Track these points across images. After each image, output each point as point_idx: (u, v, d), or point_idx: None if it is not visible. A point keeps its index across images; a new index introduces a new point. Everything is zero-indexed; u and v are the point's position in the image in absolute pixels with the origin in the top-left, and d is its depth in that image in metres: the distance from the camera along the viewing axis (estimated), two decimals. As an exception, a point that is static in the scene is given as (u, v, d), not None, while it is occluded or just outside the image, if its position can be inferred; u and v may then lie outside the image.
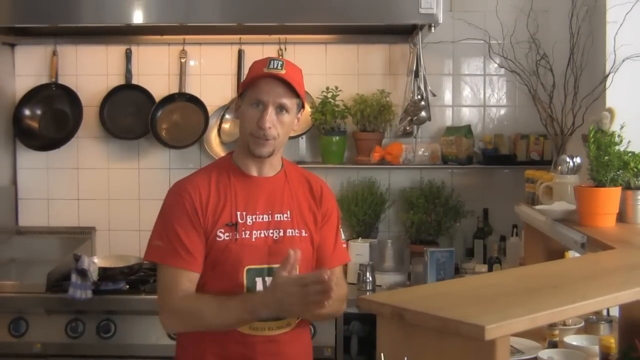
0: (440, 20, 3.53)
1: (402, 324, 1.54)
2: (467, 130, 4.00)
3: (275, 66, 2.38)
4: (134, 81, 4.18)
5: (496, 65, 4.00)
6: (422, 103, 3.80)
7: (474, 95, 4.20)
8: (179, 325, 2.46)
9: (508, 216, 3.78)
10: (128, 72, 4.18)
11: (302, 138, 4.13)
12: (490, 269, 3.77)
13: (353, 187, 4.12)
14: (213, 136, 4.14)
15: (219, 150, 4.12)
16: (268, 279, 2.38)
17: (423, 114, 3.82)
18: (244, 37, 4.12)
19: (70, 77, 4.20)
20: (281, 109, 2.39)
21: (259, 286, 2.39)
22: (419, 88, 3.83)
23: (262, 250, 2.41)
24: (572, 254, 3.06)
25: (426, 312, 1.49)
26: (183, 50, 4.16)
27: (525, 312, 1.48)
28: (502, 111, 4.21)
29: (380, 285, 3.68)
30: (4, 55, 4.16)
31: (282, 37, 4.12)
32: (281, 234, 2.45)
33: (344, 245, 2.66)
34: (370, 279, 3.63)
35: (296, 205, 2.50)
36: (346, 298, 2.58)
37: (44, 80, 4.19)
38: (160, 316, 2.43)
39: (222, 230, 2.39)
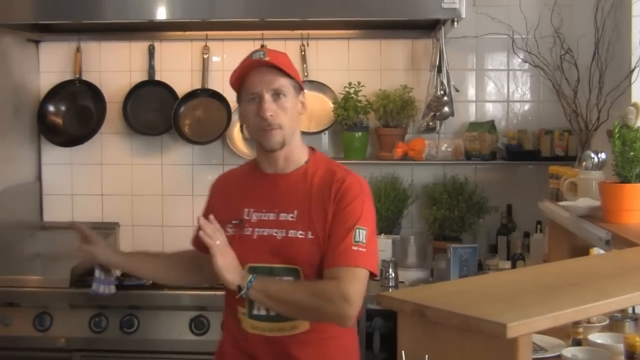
0: (463, 15, 3.49)
1: (423, 321, 1.53)
2: (491, 125, 3.98)
3: (257, 56, 2.36)
4: (157, 77, 4.20)
5: (520, 60, 3.97)
6: (445, 98, 3.79)
7: (498, 90, 4.17)
8: None
9: (532, 212, 3.76)
10: (151, 68, 4.19)
11: (324, 134, 4.13)
12: (513, 266, 3.74)
13: (376, 183, 4.10)
14: (236, 132, 4.14)
15: (241, 146, 4.13)
16: None
17: (446, 109, 3.80)
18: (266, 32, 4.11)
19: (94, 73, 4.22)
20: (277, 94, 2.35)
21: None
22: (441, 83, 3.82)
23: (263, 249, 2.38)
24: (596, 251, 3.03)
25: (447, 309, 1.48)
26: (206, 46, 4.17)
27: (548, 310, 1.46)
28: (526, 106, 4.17)
29: (402, 282, 3.66)
30: (29, 51, 4.19)
31: (305, 32, 4.11)
32: (284, 233, 2.37)
33: (359, 249, 2.32)
34: (393, 275, 3.61)
35: (307, 204, 2.38)
36: (338, 299, 2.27)
37: (68, 76, 4.22)
38: None
39: (230, 226, 2.42)
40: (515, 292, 1.63)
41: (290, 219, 2.38)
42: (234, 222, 2.42)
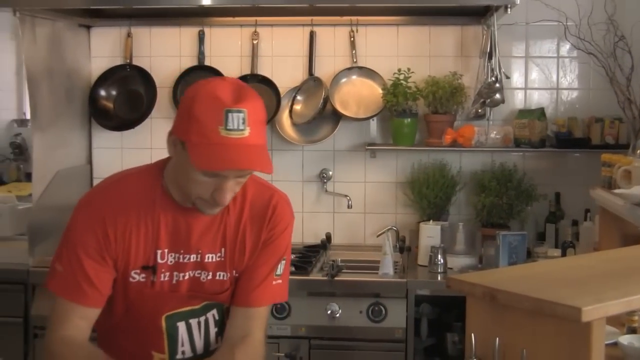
0: (518, 1, 3.45)
1: (494, 304, 1.54)
2: (541, 113, 3.95)
3: (235, 125, 1.82)
4: (207, 62, 4.22)
5: (568, 47, 3.93)
6: (497, 85, 3.76)
7: (546, 78, 4.13)
8: None
9: (580, 200, 3.74)
10: (201, 54, 4.22)
11: (373, 120, 4.12)
12: (563, 254, 3.72)
13: (424, 169, 4.11)
14: (285, 117, 4.16)
15: (290, 132, 4.14)
16: (192, 321, 2.10)
17: (497, 96, 3.78)
18: (316, 18, 4.13)
19: (144, 58, 4.26)
20: (244, 176, 1.95)
21: (181, 330, 2.09)
22: (492, 70, 3.80)
23: (183, 294, 2.06)
24: (650, 240, 3.01)
25: (520, 293, 1.49)
26: (255, 31, 4.19)
27: (621, 295, 1.47)
28: (575, 94, 4.14)
29: (451, 268, 3.65)
30: (80, 37, 4.24)
31: (354, 18, 4.11)
32: (209, 277, 2.07)
33: (277, 282, 2.12)
34: (442, 261, 3.62)
35: (236, 239, 2.08)
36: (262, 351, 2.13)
37: (119, 61, 4.26)
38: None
39: (137, 271, 2.02)
40: (584, 277, 1.63)
41: (218, 259, 2.08)
42: (143, 267, 2.03)
